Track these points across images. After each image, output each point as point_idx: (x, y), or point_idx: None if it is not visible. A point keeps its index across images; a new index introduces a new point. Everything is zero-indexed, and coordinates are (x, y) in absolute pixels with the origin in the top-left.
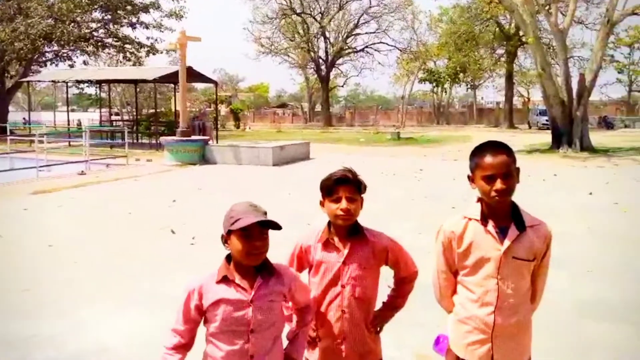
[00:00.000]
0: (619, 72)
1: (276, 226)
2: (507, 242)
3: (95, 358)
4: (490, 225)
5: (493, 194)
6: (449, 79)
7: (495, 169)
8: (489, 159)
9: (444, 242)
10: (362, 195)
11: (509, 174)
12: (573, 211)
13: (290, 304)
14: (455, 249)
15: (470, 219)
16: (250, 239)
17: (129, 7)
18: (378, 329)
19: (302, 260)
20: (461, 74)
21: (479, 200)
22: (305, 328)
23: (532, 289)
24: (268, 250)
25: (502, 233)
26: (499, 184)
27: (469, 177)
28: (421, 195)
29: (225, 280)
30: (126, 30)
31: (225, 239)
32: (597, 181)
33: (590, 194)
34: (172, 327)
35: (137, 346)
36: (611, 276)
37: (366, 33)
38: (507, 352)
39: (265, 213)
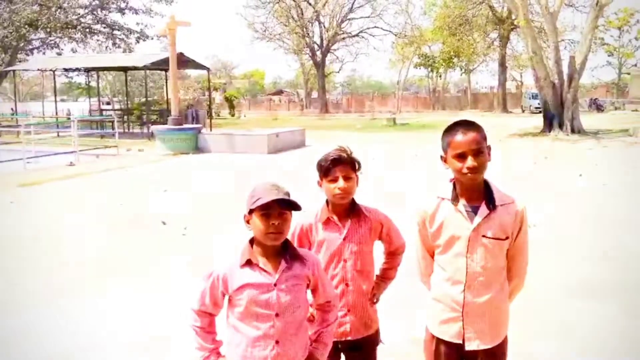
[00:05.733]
0: (609, 55)
1: (296, 206)
2: (476, 221)
3: (83, 355)
4: (461, 204)
5: (465, 171)
6: (444, 64)
7: (466, 147)
8: (459, 137)
9: (419, 222)
10: (358, 174)
11: (480, 152)
12: (562, 193)
13: (311, 300)
14: (428, 228)
15: (443, 199)
16: (269, 218)
17: None
18: (375, 299)
19: (303, 239)
20: (455, 59)
21: (452, 180)
22: (329, 328)
23: (510, 268)
24: (289, 231)
25: (474, 212)
26: (470, 161)
27: (441, 157)
28: (414, 180)
29: (249, 264)
30: (115, 16)
31: (247, 220)
32: (587, 163)
33: (580, 175)
34: (195, 309)
35: (126, 341)
36: (599, 256)
37: (361, 17)
38: (478, 330)
39: (288, 194)
